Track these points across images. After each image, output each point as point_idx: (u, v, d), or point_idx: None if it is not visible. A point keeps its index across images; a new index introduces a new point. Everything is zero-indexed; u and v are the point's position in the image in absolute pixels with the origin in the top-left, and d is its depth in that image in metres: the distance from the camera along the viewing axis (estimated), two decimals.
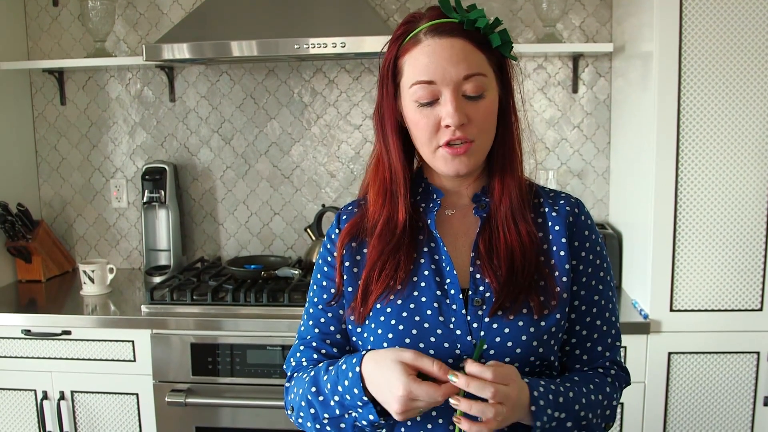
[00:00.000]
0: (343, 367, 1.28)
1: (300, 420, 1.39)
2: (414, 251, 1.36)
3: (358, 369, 1.24)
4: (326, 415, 1.32)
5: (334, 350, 1.43)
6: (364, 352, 1.26)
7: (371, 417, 1.24)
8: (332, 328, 1.43)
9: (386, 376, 1.20)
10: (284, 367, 1.50)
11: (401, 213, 1.36)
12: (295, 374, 1.44)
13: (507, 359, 1.28)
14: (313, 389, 1.33)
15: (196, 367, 2.59)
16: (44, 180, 3.38)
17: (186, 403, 2.56)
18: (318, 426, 1.35)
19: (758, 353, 2.47)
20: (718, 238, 2.40)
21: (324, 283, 1.44)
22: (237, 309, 2.64)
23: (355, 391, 1.24)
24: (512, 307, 1.30)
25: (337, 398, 1.29)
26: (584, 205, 1.43)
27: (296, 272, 2.83)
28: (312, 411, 1.34)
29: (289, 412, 1.42)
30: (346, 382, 1.26)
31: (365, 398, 1.23)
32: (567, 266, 1.35)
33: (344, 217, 1.45)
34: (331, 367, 1.32)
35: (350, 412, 1.28)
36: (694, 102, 2.33)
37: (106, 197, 3.36)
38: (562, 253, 1.35)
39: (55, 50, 3.27)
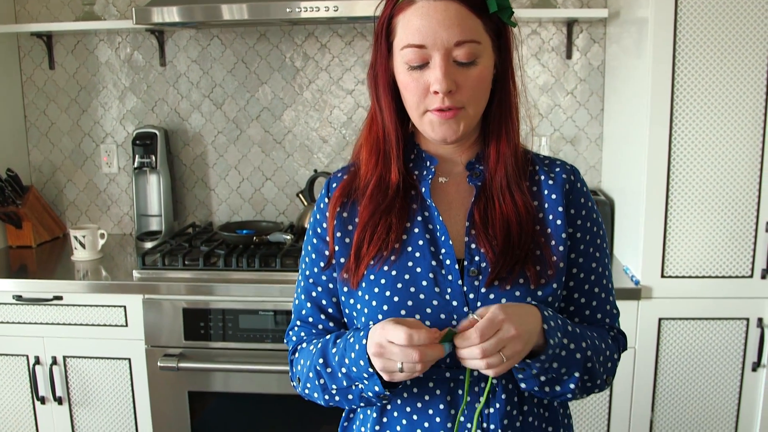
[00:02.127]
0: (351, 339, 1.27)
1: (307, 391, 1.39)
2: (406, 216, 1.34)
3: (364, 342, 1.22)
4: (334, 387, 1.31)
5: (331, 324, 1.42)
6: (371, 326, 1.24)
7: (376, 388, 1.23)
8: (324, 302, 1.42)
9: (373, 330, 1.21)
10: (285, 341, 1.50)
11: (394, 174, 1.34)
12: (299, 347, 1.43)
13: None
14: (321, 361, 1.32)
15: (189, 332, 2.60)
16: (33, 145, 3.36)
17: (178, 368, 2.57)
18: (327, 396, 1.35)
19: (747, 319, 2.48)
20: (710, 205, 2.41)
21: (314, 256, 1.42)
22: (229, 274, 2.64)
23: (361, 363, 1.23)
24: (508, 277, 1.28)
25: (344, 370, 1.28)
26: (579, 173, 1.41)
27: (288, 237, 2.83)
28: (321, 382, 1.33)
29: (295, 383, 1.42)
30: (353, 355, 1.25)
31: (371, 370, 1.22)
32: (563, 235, 1.33)
33: (334, 184, 1.42)
34: (338, 340, 1.31)
35: (357, 383, 1.27)
36: (688, 69, 2.32)
37: (97, 162, 3.34)
38: (559, 222, 1.33)
39: (43, 13, 3.23)
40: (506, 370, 1.16)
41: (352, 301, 1.35)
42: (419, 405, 1.32)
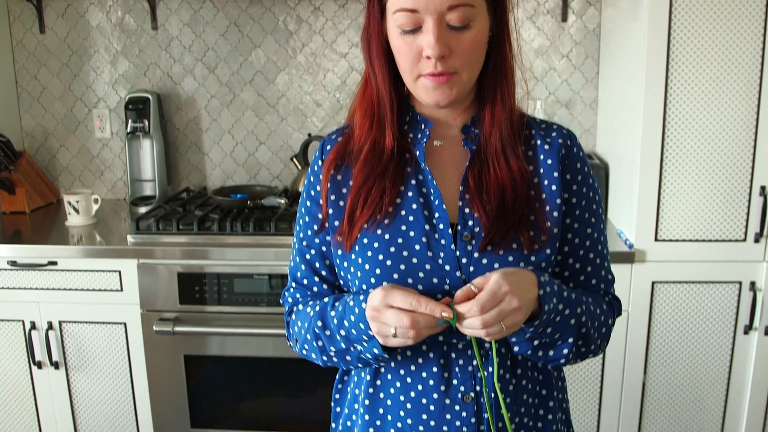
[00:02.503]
0: (351, 303, 1.27)
1: (305, 351, 1.40)
2: (400, 180, 1.33)
3: (364, 305, 1.22)
4: (333, 349, 1.32)
5: (324, 286, 1.42)
6: (371, 291, 1.23)
7: (375, 351, 1.25)
8: (318, 265, 1.41)
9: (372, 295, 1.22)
10: (281, 301, 1.50)
11: (388, 138, 1.33)
12: (295, 308, 1.44)
13: None
14: (320, 324, 1.33)
15: (184, 296, 2.60)
16: (25, 110, 3.33)
17: (174, 332, 2.58)
18: (324, 358, 1.36)
19: (740, 283, 2.50)
20: (704, 168, 2.41)
21: (307, 218, 1.41)
22: (223, 238, 2.64)
23: (361, 326, 1.23)
24: (502, 242, 1.27)
25: (343, 332, 1.29)
26: (576, 137, 1.40)
27: (282, 201, 2.83)
28: (319, 344, 1.34)
29: (292, 343, 1.43)
30: (352, 318, 1.25)
31: (370, 332, 1.22)
32: (558, 200, 1.32)
33: (328, 147, 1.40)
34: (337, 303, 1.31)
35: (355, 345, 1.28)
36: (684, 33, 2.30)
37: (89, 127, 3.32)
38: (554, 187, 1.32)
39: None
40: (512, 330, 1.18)
41: (345, 264, 1.35)
42: (413, 368, 1.32)
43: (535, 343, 1.25)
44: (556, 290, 1.25)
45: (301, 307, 1.42)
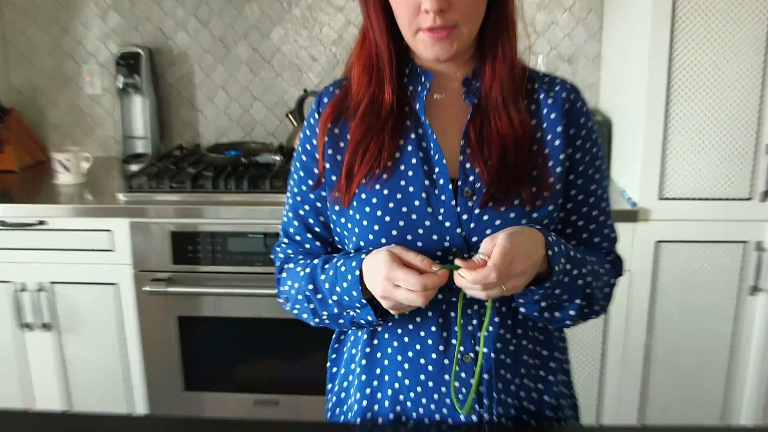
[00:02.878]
0: (342, 269, 1.26)
1: (296, 311, 1.39)
2: (400, 135, 1.30)
3: (357, 273, 1.22)
4: (325, 313, 1.33)
5: (317, 243, 1.40)
6: (363, 256, 1.23)
7: (369, 318, 1.25)
8: (312, 221, 1.39)
9: (376, 264, 1.19)
10: (272, 256, 1.48)
11: (387, 94, 1.30)
12: (286, 266, 1.42)
13: None
14: (311, 287, 1.32)
15: (177, 256, 2.56)
16: (14, 66, 3.25)
17: (167, 293, 2.55)
18: (317, 320, 1.36)
19: (746, 243, 2.45)
20: (710, 125, 2.36)
21: (302, 173, 1.39)
22: (217, 196, 2.59)
23: (354, 293, 1.23)
24: (503, 198, 1.25)
25: (335, 298, 1.28)
26: (580, 92, 1.37)
27: (278, 158, 2.78)
28: (310, 306, 1.34)
29: (282, 301, 1.42)
30: (345, 284, 1.25)
31: (364, 300, 1.23)
32: (561, 156, 1.29)
33: (325, 99, 1.37)
34: (327, 266, 1.30)
35: (348, 311, 1.28)
36: None
37: (79, 83, 3.25)
38: (557, 142, 1.29)
39: None
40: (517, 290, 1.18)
41: (343, 220, 1.33)
42: (411, 327, 1.32)
43: (543, 304, 1.24)
44: (564, 250, 1.23)
45: (292, 265, 1.40)
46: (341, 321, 1.32)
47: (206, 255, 2.55)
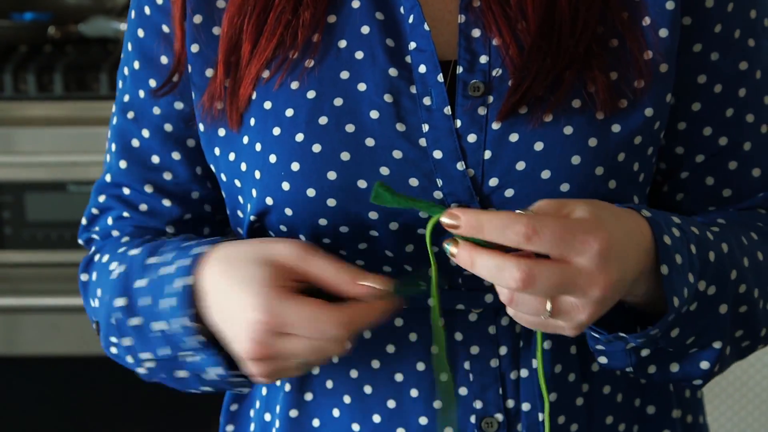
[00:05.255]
0: (167, 270, 0.69)
1: (113, 349, 0.76)
2: None
3: (189, 280, 0.66)
4: (148, 356, 0.73)
5: (167, 203, 0.79)
6: (206, 249, 0.67)
7: (218, 370, 0.68)
8: (156, 159, 0.78)
9: (237, 289, 0.65)
10: (79, 239, 0.86)
11: None
12: (97, 256, 0.80)
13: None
14: (122, 302, 0.72)
15: None
16: None
17: None
18: (142, 370, 0.76)
19: None
20: None
21: (137, 65, 0.78)
22: (10, 108, 1.70)
23: (184, 322, 0.68)
24: (549, 97, 0.67)
25: (161, 326, 0.71)
26: None
27: (121, 27, 1.80)
28: (124, 342, 0.73)
29: (94, 326, 0.80)
30: (168, 302, 0.68)
31: (200, 338, 0.66)
32: (671, 6, 0.68)
33: None
34: (152, 259, 0.72)
35: (184, 354, 0.71)
36: None
37: None
38: None
39: None
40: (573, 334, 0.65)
41: (232, 156, 0.74)
42: (376, 366, 0.77)
43: (643, 354, 0.70)
44: (695, 252, 0.66)
45: (106, 256, 0.78)
46: (182, 374, 0.73)
47: None
